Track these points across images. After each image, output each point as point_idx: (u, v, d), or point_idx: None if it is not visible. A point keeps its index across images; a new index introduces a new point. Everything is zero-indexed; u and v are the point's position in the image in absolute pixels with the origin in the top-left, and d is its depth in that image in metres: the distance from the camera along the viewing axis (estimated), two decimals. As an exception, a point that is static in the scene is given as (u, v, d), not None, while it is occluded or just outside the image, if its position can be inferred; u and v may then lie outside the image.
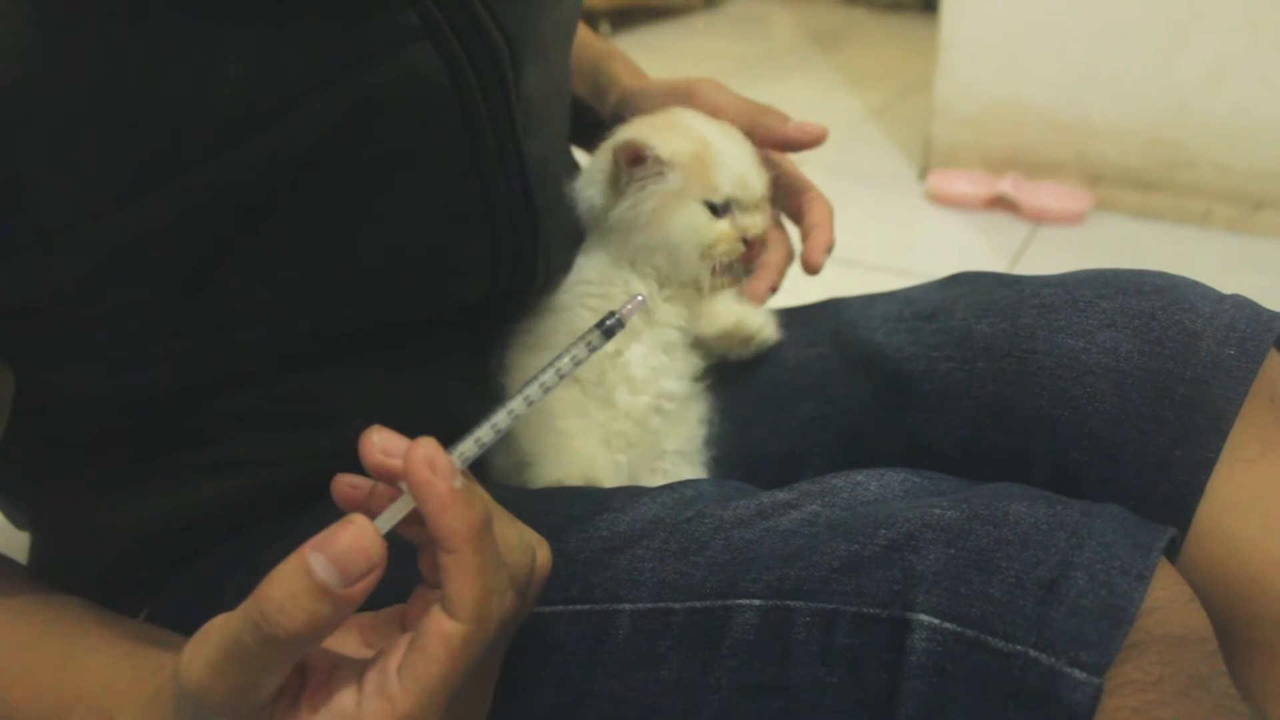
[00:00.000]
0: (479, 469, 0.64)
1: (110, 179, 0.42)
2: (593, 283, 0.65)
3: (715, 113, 0.67)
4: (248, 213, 0.46)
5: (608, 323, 0.40)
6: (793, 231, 0.71)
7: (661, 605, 0.45)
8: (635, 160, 0.61)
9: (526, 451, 0.62)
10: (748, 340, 0.66)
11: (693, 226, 0.62)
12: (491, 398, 0.63)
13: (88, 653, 0.44)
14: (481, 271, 0.56)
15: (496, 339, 0.64)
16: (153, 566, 0.57)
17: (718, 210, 0.63)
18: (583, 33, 0.76)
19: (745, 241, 0.64)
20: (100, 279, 0.44)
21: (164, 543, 0.56)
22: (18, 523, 0.62)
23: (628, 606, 0.46)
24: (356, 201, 0.49)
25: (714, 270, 0.64)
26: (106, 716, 0.41)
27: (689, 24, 3.76)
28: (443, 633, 0.34)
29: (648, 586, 0.46)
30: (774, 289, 0.67)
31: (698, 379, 0.67)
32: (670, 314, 0.66)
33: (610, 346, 0.64)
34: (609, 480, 0.60)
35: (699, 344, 0.67)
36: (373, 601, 0.39)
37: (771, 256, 0.68)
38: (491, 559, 0.35)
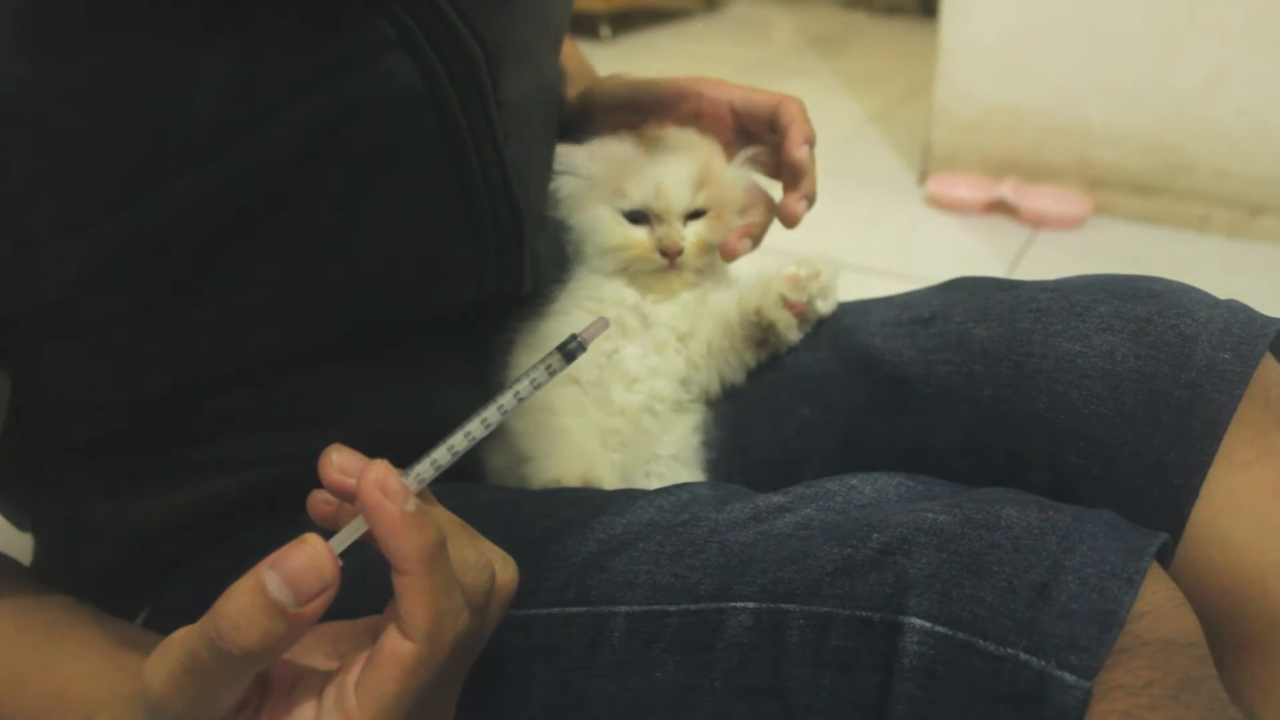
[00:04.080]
0: (474, 467, 0.64)
1: (93, 191, 0.43)
2: (585, 286, 0.66)
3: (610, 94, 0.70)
4: (230, 221, 0.47)
5: (569, 346, 0.41)
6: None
7: (657, 608, 0.45)
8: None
9: (525, 448, 0.62)
10: (768, 328, 0.66)
11: (595, 226, 0.65)
12: (488, 398, 0.63)
13: (74, 655, 0.45)
14: (466, 275, 0.57)
15: (497, 340, 0.64)
16: (152, 566, 0.57)
17: (636, 217, 0.65)
18: None
19: (663, 253, 0.65)
20: (87, 287, 0.45)
21: (163, 542, 0.57)
22: (18, 523, 0.63)
23: (623, 609, 0.46)
24: (337, 209, 0.50)
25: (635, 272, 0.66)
26: (86, 717, 0.42)
27: (689, 27, 3.77)
28: (396, 652, 0.34)
29: (643, 589, 0.46)
30: (753, 242, 0.69)
31: (690, 389, 0.68)
32: (662, 315, 0.67)
33: (607, 345, 0.65)
34: (607, 478, 0.61)
35: (732, 333, 0.67)
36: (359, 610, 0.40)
37: (752, 217, 0.69)
38: (444, 581, 0.35)
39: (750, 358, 0.67)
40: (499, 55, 0.54)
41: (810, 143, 0.66)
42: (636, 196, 0.65)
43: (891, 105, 2.59)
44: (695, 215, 0.66)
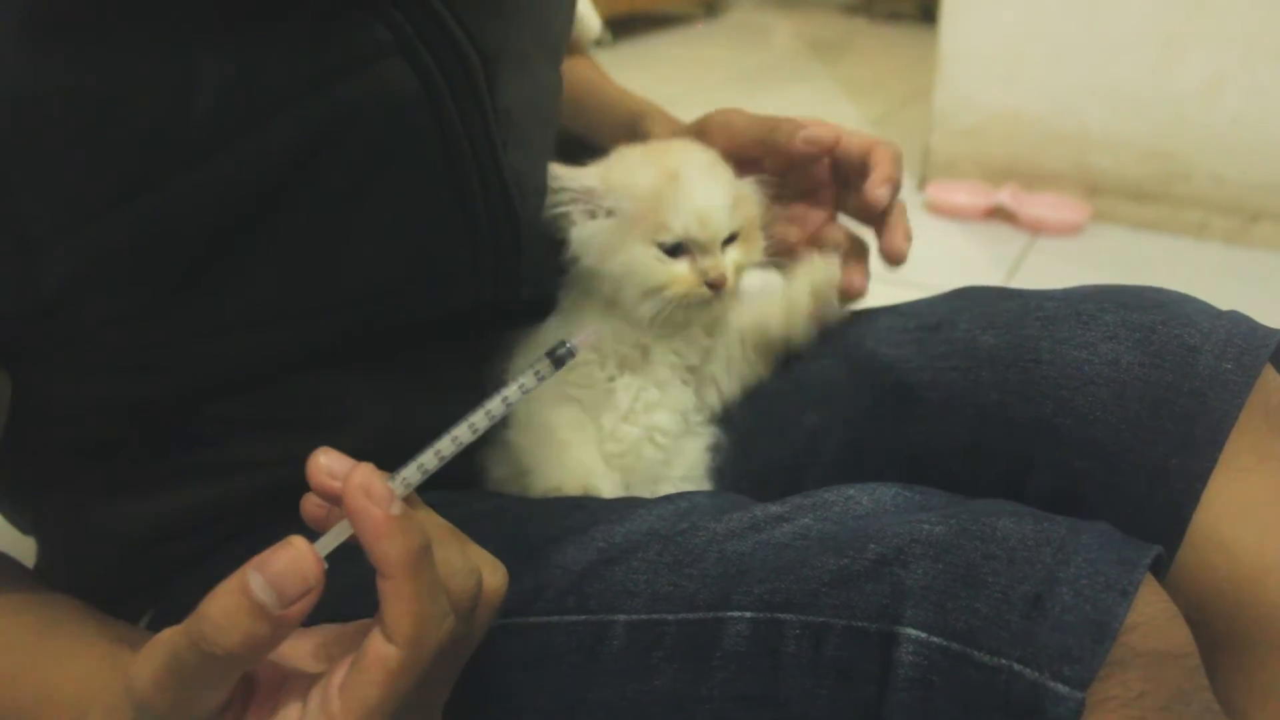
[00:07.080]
0: (475, 476, 0.64)
1: (91, 190, 0.43)
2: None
3: (728, 134, 0.69)
4: (227, 224, 0.47)
5: (559, 351, 0.40)
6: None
7: (655, 616, 0.45)
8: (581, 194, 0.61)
9: (526, 461, 0.62)
10: (786, 341, 0.66)
11: (635, 267, 0.60)
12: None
13: (70, 654, 0.45)
14: (463, 281, 0.57)
15: (496, 345, 0.64)
16: (155, 569, 0.57)
17: (673, 251, 0.60)
18: (619, 89, 0.81)
19: (709, 284, 0.60)
20: (84, 288, 0.45)
21: (166, 545, 0.57)
22: (21, 527, 0.63)
23: (622, 617, 0.46)
24: (334, 212, 0.50)
25: (670, 311, 0.61)
26: (78, 714, 0.42)
27: (690, 33, 3.77)
28: (380, 656, 0.34)
29: (642, 598, 0.46)
30: (861, 288, 0.70)
31: (701, 412, 0.67)
32: (662, 353, 0.64)
33: (606, 372, 0.64)
34: (607, 488, 0.61)
35: (745, 344, 0.67)
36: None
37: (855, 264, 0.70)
38: (428, 586, 0.35)
39: (763, 369, 0.68)
40: (496, 62, 0.54)
41: (893, 185, 0.67)
42: (679, 228, 0.59)
43: (891, 111, 2.59)
44: (728, 241, 0.62)
